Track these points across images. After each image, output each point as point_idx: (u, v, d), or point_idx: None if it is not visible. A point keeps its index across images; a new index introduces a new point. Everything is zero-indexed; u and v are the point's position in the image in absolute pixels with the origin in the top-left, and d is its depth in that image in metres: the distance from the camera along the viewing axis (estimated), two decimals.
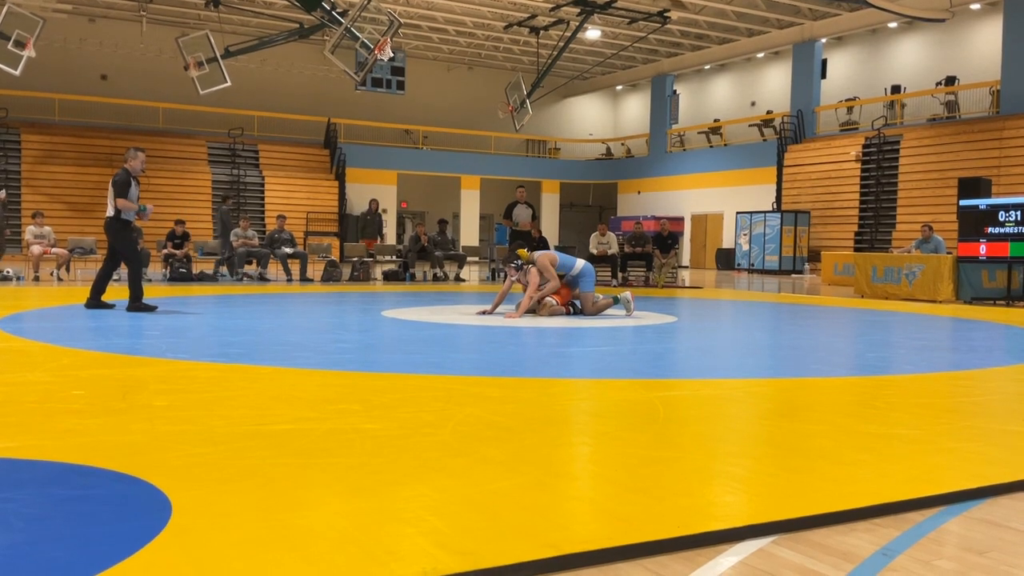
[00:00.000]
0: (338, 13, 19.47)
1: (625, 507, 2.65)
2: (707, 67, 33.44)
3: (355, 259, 17.71)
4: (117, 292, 9.66)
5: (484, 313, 9.26)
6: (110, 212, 9.12)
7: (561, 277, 9.30)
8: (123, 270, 9.63)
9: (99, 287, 9.19)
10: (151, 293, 11.99)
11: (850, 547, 2.38)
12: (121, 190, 9.02)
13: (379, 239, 20.41)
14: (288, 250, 16.78)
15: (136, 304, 9.04)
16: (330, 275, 16.70)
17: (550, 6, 25.32)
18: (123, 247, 9.29)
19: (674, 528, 2.43)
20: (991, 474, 3.09)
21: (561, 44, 25.36)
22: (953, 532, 2.56)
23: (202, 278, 15.60)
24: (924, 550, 2.38)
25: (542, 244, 14.77)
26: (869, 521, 2.60)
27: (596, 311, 9.43)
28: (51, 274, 14.97)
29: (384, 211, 31.18)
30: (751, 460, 3.34)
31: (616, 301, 9.57)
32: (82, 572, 2.03)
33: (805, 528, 2.51)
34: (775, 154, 28.22)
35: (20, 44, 18.30)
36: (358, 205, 28.10)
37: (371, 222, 18.86)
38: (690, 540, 2.37)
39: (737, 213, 27.83)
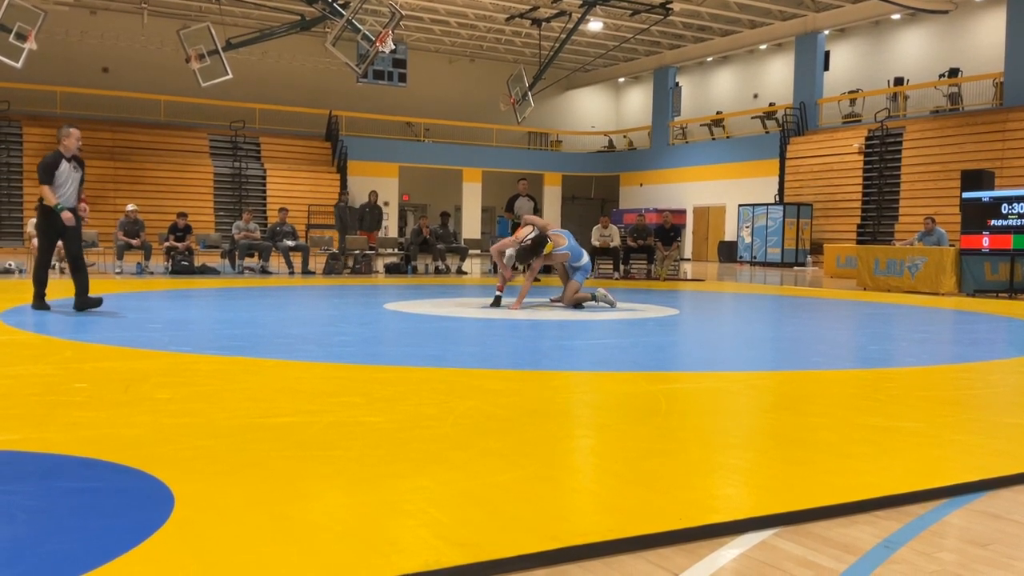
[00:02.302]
0: (339, 5, 19.43)
1: (626, 499, 2.65)
2: (709, 59, 33.35)
3: (356, 252, 17.71)
4: (114, 287, 9.62)
5: (494, 304, 9.26)
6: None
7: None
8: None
9: (76, 284, 8.19)
10: (154, 285, 12.00)
11: (852, 539, 2.39)
12: (44, 175, 7.89)
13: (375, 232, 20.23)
14: (290, 243, 16.78)
15: (37, 300, 8.21)
16: (332, 268, 16.70)
17: None
18: (39, 232, 8.24)
19: (676, 520, 2.43)
20: (993, 466, 3.09)
21: (563, 36, 25.28)
22: (955, 524, 2.56)
23: (204, 271, 15.60)
24: (926, 542, 2.38)
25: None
26: (871, 513, 2.60)
27: (573, 302, 9.43)
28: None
29: (386, 203, 31.20)
30: (753, 453, 3.35)
31: (593, 297, 9.57)
32: (85, 564, 2.03)
33: (807, 521, 2.52)
34: (777, 146, 28.17)
35: (21, 37, 18.24)
36: (360, 198, 28.07)
37: (369, 214, 18.81)
38: (692, 532, 2.37)
39: (739, 206, 27.79)
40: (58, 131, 8.21)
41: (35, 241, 14.56)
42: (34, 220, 14.96)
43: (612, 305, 9.49)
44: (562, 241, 9.44)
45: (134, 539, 2.18)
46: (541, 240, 9.24)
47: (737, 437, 3.66)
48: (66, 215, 7.91)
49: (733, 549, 2.30)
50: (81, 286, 8.13)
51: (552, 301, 9.87)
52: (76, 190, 8.13)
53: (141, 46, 28.66)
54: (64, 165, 7.97)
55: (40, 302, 8.20)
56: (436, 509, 2.49)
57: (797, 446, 3.40)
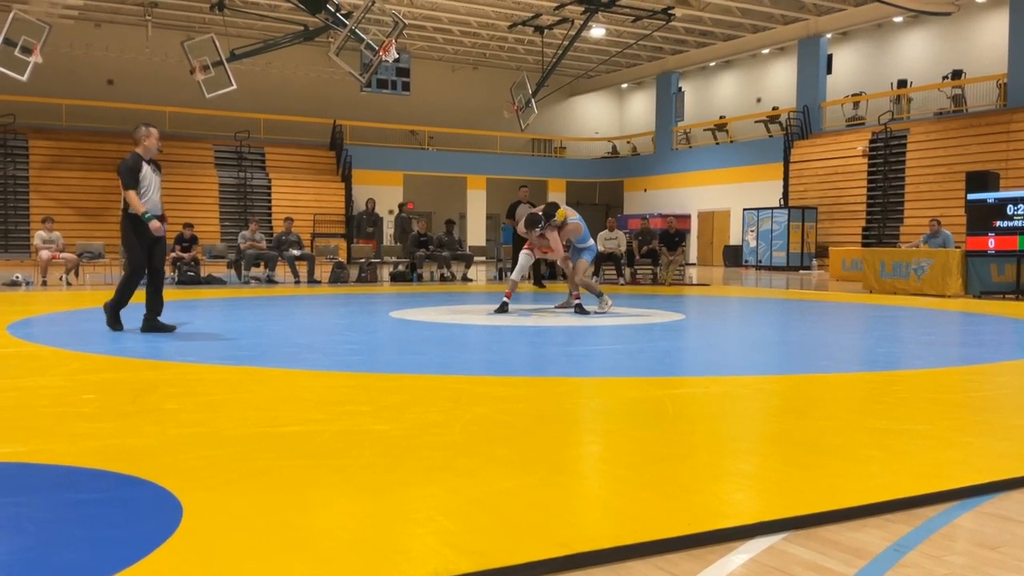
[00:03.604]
0: (342, 15, 19.49)
1: (635, 505, 2.65)
2: (712, 64, 33.37)
3: (362, 260, 17.74)
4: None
5: (501, 310, 9.26)
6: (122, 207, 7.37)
7: (568, 246, 9.62)
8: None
9: (150, 303, 7.39)
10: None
11: (861, 543, 2.38)
12: (129, 178, 7.12)
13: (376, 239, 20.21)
14: (295, 252, 16.81)
15: (111, 317, 7.38)
16: (337, 276, 16.72)
17: (554, 5, 25.30)
18: (125, 246, 7.42)
19: (684, 526, 2.42)
20: (1002, 468, 3.08)
21: (566, 43, 25.32)
22: (965, 527, 2.55)
23: (210, 281, 15.63)
24: (936, 545, 2.37)
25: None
26: (880, 517, 2.59)
27: (583, 284, 9.52)
28: (60, 279, 15.03)
29: (391, 212, 31.23)
30: (761, 457, 3.34)
31: (600, 295, 9.55)
32: (94, 575, 2.03)
33: (816, 525, 2.51)
34: (781, 150, 28.16)
35: (27, 50, 18.34)
36: (363, 206, 28.15)
37: (366, 221, 18.84)
38: (701, 538, 2.36)
39: (744, 210, 27.77)
40: (135, 131, 7.40)
41: (43, 254, 14.68)
42: (41, 233, 15.09)
43: (600, 312, 9.41)
44: (572, 213, 9.50)
45: (143, 549, 2.19)
46: (554, 206, 9.33)
47: (745, 441, 3.65)
48: (155, 224, 7.13)
49: (742, 554, 2.29)
50: (156, 306, 7.38)
51: (556, 308, 9.87)
52: (160, 196, 7.38)
53: (146, 58, 28.77)
54: (146, 168, 7.21)
55: (116, 321, 7.35)
56: (444, 516, 2.49)
57: (805, 450, 3.39)
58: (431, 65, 33.63)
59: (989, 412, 4.32)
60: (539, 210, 9.44)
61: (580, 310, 9.33)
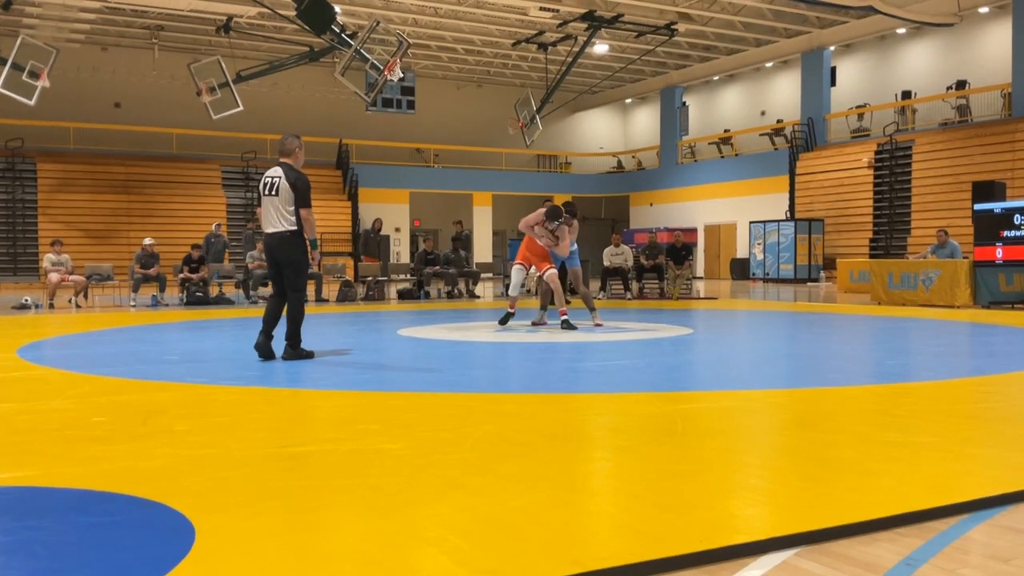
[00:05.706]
0: (347, 35, 19.61)
1: (646, 522, 2.65)
2: (716, 78, 33.45)
3: (369, 278, 17.77)
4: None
5: (504, 321, 9.38)
6: (286, 225, 6.53)
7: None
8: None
9: (291, 330, 6.85)
10: (169, 317, 12.07)
11: (873, 557, 2.37)
12: (309, 197, 6.51)
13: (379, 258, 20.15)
14: None
15: (294, 350, 6.82)
16: (345, 295, 16.75)
17: (557, 22, 25.42)
18: (298, 272, 6.71)
19: (696, 542, 2.42)
20: (1014, 480, 3.07)
21: (569, 59, 25.43)
22: (977, 540, 2.55)
23: (219, 301, 15.68)
24: (948, 559, 2.37)
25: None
26: (892, 531, 2.59)
27: (585, 295, 9.84)
28: (69, 301, 15.08)
29: (397, 229, 31.30)
30: (772, 472, 3.33)
31: (592, 309, 9.87)
32: None
33: (828, 539, 2.50)
34: (787, 163, 28.17)
35: (34, 74, 18.51)
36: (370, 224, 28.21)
37: (373, 240, 18.90)
38: (713, 554, 2.36)
39: (750, 223, 27.77)
40: (286, 142, 6.66)
41: (51, 276, 14.74)
42: (51, 255, 15.17)
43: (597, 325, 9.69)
44: (574, 234, 9.77)
45: (157, 572, 2.19)
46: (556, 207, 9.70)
47: (756, 456, 3.65)
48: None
49: (755, 570, 2.29)
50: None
51: (533, 324, 9.81)
52: None
53: (152, 81, 28.97)
54: None
55: (303, 350, 6.88)
56: (456, 536, 2.49)
57: (816, 464, 3.38)
58: (436, 83, 33.79)
59: (1000, 423, 4.31)
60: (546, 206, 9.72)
61: (568, 326, 9.21)
